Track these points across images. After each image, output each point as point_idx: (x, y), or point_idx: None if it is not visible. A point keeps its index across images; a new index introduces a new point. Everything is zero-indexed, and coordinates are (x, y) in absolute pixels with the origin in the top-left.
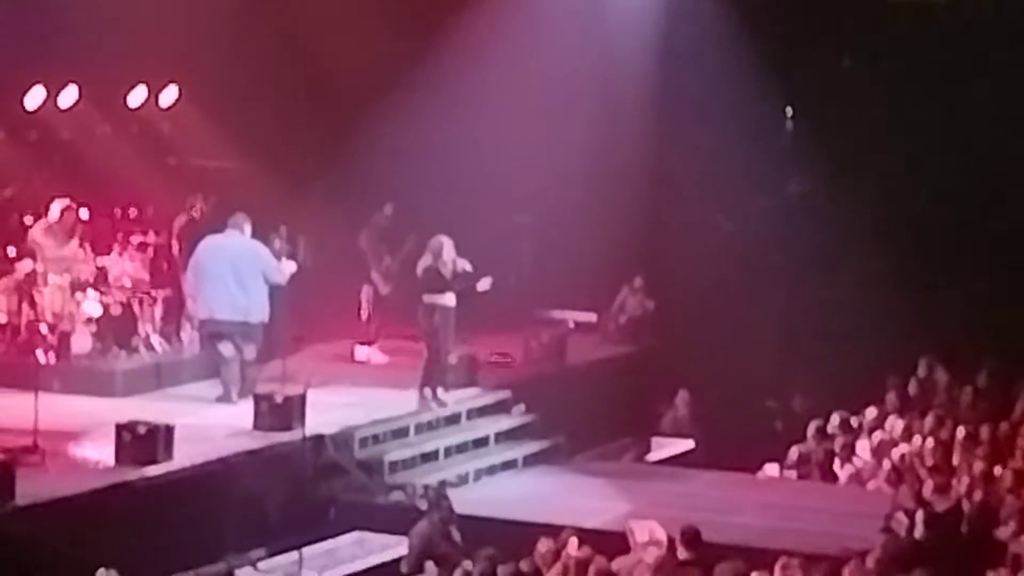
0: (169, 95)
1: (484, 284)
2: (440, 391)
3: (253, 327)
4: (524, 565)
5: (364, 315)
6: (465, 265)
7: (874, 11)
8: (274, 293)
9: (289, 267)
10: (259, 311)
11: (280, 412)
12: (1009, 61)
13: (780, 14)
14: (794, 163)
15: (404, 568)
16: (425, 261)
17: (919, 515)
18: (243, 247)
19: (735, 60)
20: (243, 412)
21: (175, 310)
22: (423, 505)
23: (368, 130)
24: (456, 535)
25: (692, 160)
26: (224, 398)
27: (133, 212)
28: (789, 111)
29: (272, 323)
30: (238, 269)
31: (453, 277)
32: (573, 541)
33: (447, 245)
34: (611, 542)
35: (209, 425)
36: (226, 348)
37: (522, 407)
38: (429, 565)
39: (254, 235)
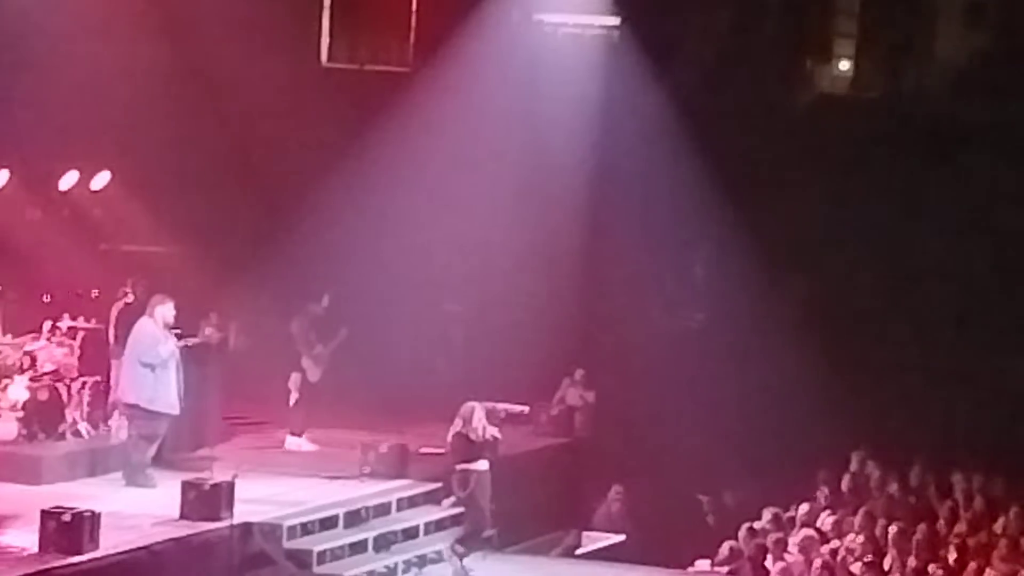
0: (101, 180)
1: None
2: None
3: (129, 408)
4: None
5: (292, 401)
6: (494, 432)
7: (807, 105)
8: (202, 379)
9: (167, 348)
10: (126, 392)
11: (208, 500)
12: (937, 151)
13: (713, 104)
14: (728, 256)
15: None
16: (455, 427)
17: None
18: (133, 330)
19: (671, 151)
20: (171, 500)
21: (103, 396)
22: None
23: (300, 218)
24: None
25: (625, 254)
26: None
27: (62, 297)
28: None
29: (201, 408)
30: (126, 351)
31: (484, 443)
32: None
33: (477, 411)
34: None
35: (136, 513)
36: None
37: (453, 498)
38: None
39: (181, 320)
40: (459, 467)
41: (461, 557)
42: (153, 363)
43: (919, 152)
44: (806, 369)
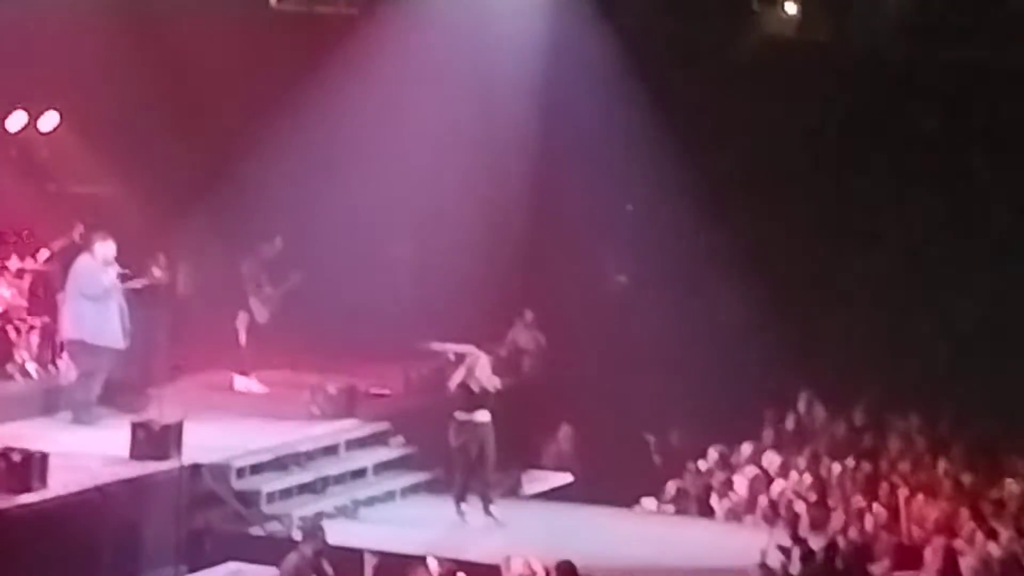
0: (49, 120)
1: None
2: (491, 507)
3: (72, 344)
4: None
5: (240, 341)
6: (496, 383)
7: (754, 48)
8: (150, 320)
9: (108, 278)
10: (68, 328)
11: (157, 441)
12: (888, 95)
13: (658, 48)
14: (673, 198)
15: None
16: (458, 376)
17: (795, 551)
18: (72, 266)
19: (620, 95)
20: (121, 440)
21: (51, 337)
22: (298, 536)
23: (249, 158)
24: (328, 567)
25: (574, 196)
26: None
27: (11, 238)
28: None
29: (149, 350)
30: (67, 288)
31: (485, 394)
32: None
33: (482, 361)
34: (486, 575)
35: (85, 453)
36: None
37: (401, 439)
38: None
39: (130, 261)
40: (458, 416)
41: (486, 506)
42: (95, 294)
43: (868, 96)
44: (753, 311)
